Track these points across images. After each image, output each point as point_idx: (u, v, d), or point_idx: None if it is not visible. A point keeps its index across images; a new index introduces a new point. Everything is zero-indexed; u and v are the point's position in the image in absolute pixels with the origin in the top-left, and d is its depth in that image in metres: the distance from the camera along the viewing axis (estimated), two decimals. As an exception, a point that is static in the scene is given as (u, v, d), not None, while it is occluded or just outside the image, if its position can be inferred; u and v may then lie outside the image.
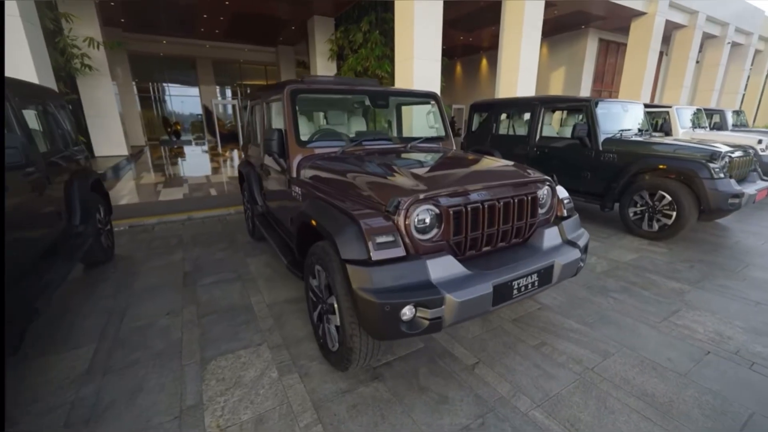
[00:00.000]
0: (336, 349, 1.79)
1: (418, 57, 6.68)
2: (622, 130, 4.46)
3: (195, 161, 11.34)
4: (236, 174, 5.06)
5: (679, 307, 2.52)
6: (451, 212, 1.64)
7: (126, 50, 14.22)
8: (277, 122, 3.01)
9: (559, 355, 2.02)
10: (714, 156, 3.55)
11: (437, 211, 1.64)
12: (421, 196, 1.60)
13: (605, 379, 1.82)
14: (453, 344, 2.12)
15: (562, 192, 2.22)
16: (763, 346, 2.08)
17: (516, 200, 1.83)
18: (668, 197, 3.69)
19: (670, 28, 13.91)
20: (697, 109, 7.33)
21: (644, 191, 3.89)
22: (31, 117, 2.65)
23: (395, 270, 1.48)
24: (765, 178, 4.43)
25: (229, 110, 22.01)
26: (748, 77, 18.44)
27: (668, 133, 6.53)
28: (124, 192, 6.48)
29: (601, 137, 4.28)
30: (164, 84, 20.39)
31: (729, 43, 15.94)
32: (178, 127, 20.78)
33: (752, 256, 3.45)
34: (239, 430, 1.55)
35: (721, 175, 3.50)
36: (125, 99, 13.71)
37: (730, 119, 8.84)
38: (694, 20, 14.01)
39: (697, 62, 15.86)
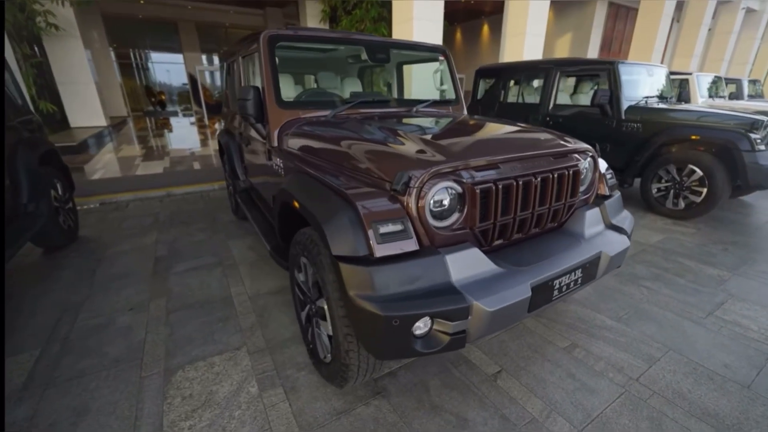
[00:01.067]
0: (329, 361, 1.44)
1: (418, 18, 6.03)
2: (647, 97, 4.01)
3: (179, 133, 10.66)
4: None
5: (722, 298, 2.20)
6: (478, 191, 1.24)
7: (99, 11, 13.08)
8: (256, 81, 2.53)
9: (595, 360, 1.69)
10: (755, 125, 3.14)
11: (459, 189, 1.24)
12: (440, 168, 1.20)
13: (655, 393, 1.51)
14: (468, 347, 1.79)
15: (603, 165, 1.82)
16: (830, 346, 1.78)
17: (556, 175, 1.44)
18: (699, 172, 3.31)
19: (684, -8, 13.06)
20: (717, 77, 6.84)
21: (671, 165, 3.50)
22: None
23: (406, 270, 1.10)
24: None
25: (217, 80, 20.85)
26: (759, 47, 17.67)
27: (686, 101, 6.08)
28: (98, 166, 5.95)
29: (624, 104, 3.83)
30: (145, 51, 19.15)
31: (744, 8, 15.11)
32: (163, 97, 19.73)
33: (788, 237, 3.13)
34: (205, 469, 1.22)
35: (763, 147, 3.11)
36: (102, 65, 12.74)
37: (746, 89, 8.36)
38: (710, -18, 13.14)
39: (709, 30, 15.06)
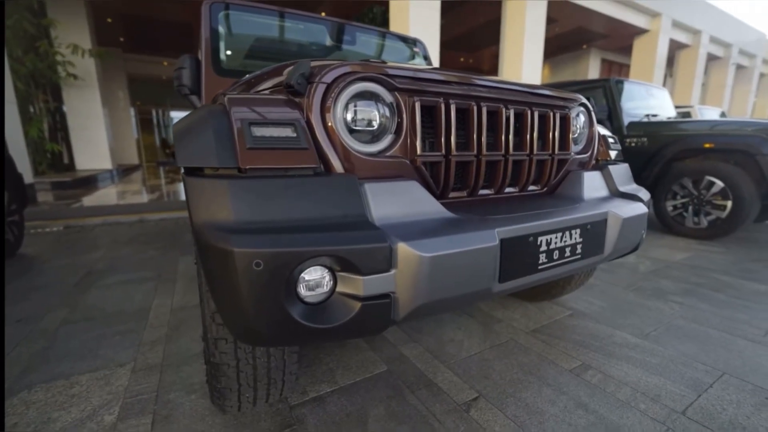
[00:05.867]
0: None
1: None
2: (649, 115, 3.76)
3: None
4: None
5: (782, 315, 1.68)
6: (418, 104, 0.88)
7: (125, 72, 14.19)
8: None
9: (617, 386, 1.17)
10: (777, 129, 2.80)
11: (390, 99, 0.88)
12: (364, 64, 0.84)
13: (716, 434, 0.97)
14: (435, 366, 1.28)
15: (603, 130, 1.46)
16: None
17: (536, 113, 1.08)
18: (719, 183, 2.90)
19: (674, 48, 13.65)
20: (722, 113, 6.68)
21: (685, 179, 3.10)
22: None
23: (291, 187, 0.70)
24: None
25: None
26: (755, 102, 18.04)
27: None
28: (85, 197, 5.80)
29: (626, 120, 3.57)
30: (165, 109, 20.58)
31: (734, 64, 15.68)
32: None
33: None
34: None
35: (790, 152, 2.73)
36: (119, 117, 13.50)
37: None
38: (698, 39, 13.82)
39: (703, 84, 15.51)
